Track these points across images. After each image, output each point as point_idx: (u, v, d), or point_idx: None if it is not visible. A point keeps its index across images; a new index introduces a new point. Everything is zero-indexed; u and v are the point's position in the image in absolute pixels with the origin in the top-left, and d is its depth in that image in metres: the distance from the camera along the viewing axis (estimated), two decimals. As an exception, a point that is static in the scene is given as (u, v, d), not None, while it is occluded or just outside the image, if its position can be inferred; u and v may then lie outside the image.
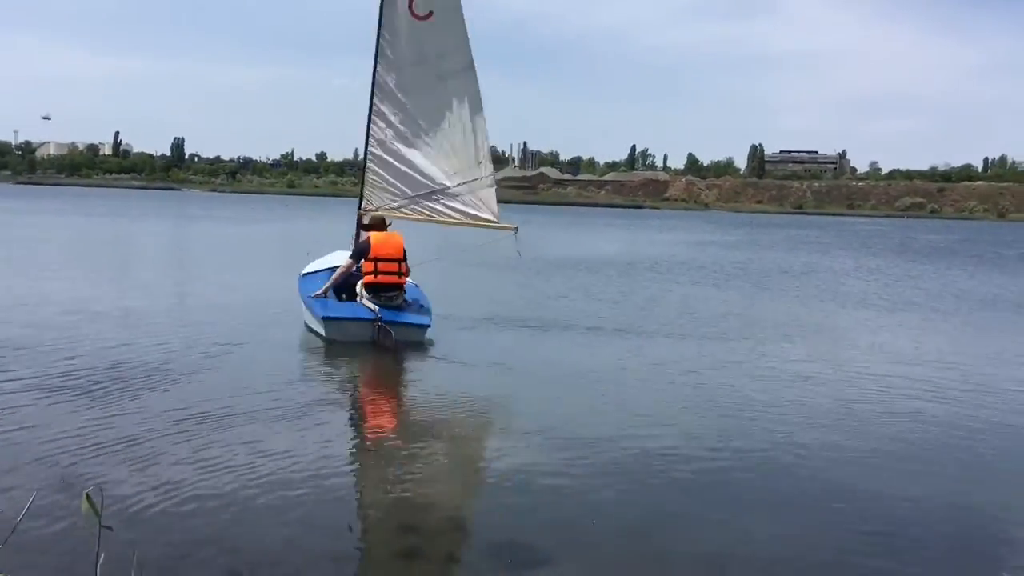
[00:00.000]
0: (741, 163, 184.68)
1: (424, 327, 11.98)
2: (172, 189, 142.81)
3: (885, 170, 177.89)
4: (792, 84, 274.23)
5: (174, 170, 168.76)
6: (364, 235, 12.80)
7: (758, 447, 8.04)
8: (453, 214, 13.44)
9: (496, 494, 6.66)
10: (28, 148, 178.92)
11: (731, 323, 16.06)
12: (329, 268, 13.50)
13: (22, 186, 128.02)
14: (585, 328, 14.81)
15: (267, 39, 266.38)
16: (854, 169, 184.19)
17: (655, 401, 9.86)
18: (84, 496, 2.44)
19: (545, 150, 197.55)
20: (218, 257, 28.73)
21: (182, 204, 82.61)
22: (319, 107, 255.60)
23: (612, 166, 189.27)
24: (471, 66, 13.10)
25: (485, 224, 13.43)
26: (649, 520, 6.28)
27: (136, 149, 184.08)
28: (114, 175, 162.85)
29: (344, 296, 12.62)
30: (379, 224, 12.93)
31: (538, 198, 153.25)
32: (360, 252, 12.37)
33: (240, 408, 8.44)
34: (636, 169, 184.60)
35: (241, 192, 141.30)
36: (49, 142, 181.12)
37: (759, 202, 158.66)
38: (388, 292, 12.20)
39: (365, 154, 13.82)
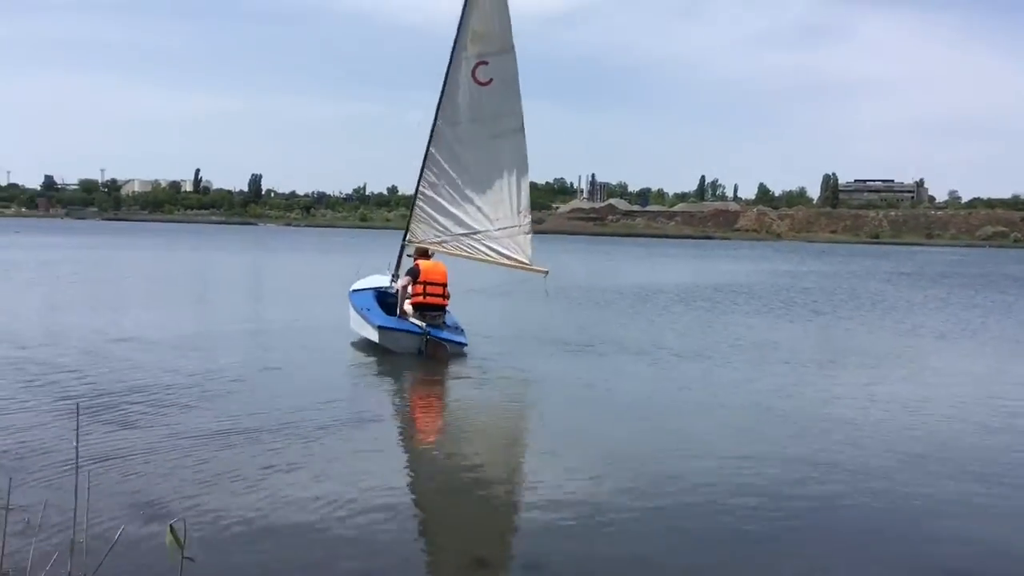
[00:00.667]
0: (814, 193, 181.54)
1: (463, 345, 13.71)
2: (249, 224, 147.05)
3: (965, 198, 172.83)
4: (867, 111, 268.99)
5: (252, 205, 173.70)
6: (414, 262, 14.44)
7: (815, 480, 7.95)
8: (491, 254, 15.31)
9: (556, 526, 6.66)
10: (114, 185, 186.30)
11: (793, 350, 15.96)
12: (373, 287, 15.51)
13: (108, 222, 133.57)
14: (641, 352, 15.24)
15: (340, 76, 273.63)
16: (932, 198, 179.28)
17: (711, 428, 9.89)
18: (168, 528, 2.64)
19: (614, 181, 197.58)
20: (291, 286, 29.65)
21: (259, 238, 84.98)
22: (391, 141, 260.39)
23: (681, 197, 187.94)
24: (521, 129, 14.98)
25: (519, 265, 15.28)
26: (703, 555, 6.23)
27: (216, 186, 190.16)
28: (195, 211, 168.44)
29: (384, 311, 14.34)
30: (425, 253, 14.69)
31: (607, 229, 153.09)
32: (413, 275, 14.00)
33: (309, 428, 8.86)
34: (706, 200, 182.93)
35: (315, 226, 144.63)
36: (134, 180, 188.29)
37: (833, 232, 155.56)
38: (433, 312, 13.86)
39: (416, 191, 15.70)
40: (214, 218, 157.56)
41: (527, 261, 15.16)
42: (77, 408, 5.47)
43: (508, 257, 15.23)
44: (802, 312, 24.00)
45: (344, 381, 12.60)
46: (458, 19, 14.94)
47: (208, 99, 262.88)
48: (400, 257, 15.55)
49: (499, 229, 15.12)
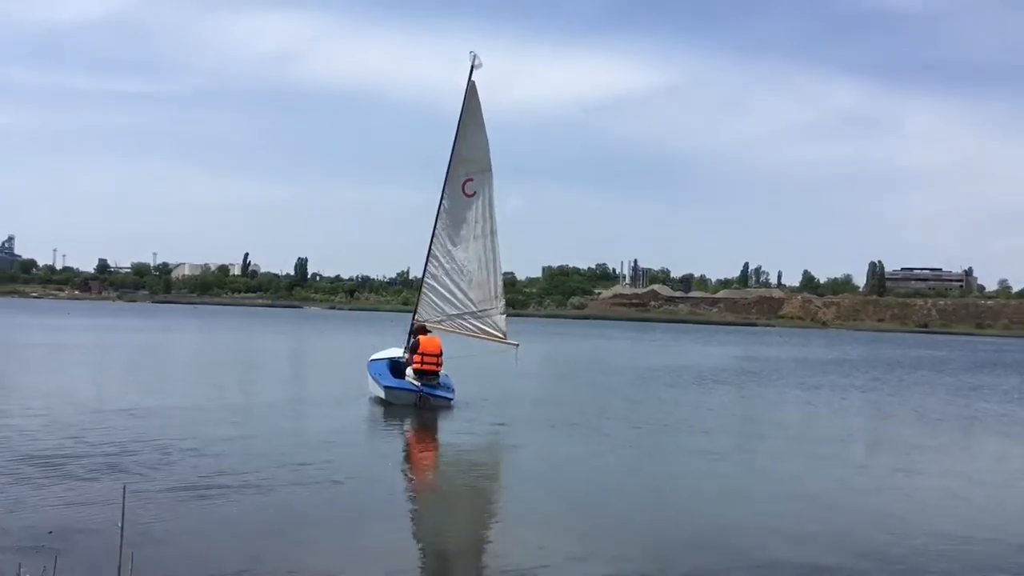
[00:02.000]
0: (860, 280, 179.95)
1: (450, 399, 17.74)
2: (295, 307, 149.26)
3: (1016, 287, 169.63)
4: (913, 201, 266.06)
5: (297, 288, 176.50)
6: (414, 337, 18.22)
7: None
8: (475, 330, 19.36)
9: None
10: (165, 269, 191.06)
11: (794, 429, 15.61)
12: (387, 357, 19.28)
13: (159, 304, 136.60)
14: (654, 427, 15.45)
15: (384, 163, 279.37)
16: (982, 287, 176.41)
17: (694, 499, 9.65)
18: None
19: (656, 267, 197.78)
20: (322, 363, 29.95)
21: (302, 320, 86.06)
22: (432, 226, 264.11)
23: (725, 283, 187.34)
24: (495, 232, 19.32)
25: (496, 339, 19.35)
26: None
27: (263, 269, 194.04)
28: (242, 294, 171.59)
29: (394, 375, 18.25)
30: (423, 329, 18.39)
31: (649, 315, 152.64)
32: (414, 348, 17.90)
33: (336, 504, 8.92)
34: (749, 286, 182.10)
35: (358, 309, 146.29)
36: (184, 263, 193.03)
37: (880, 320, 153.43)
38: (429, 376, 17.64)
39: (423, 280, 19.81)
40: (260, 301, 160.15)
41: (502, 335, 19.34)
42: (124, 490, 5.55)
43: (487, 333, 19.37)
44: (844, 398, 23.50)
45: (368, 453, 13.15)
46: (451, 145, 19.22)
47: (257, 185, 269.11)
48: (411, 331, 19.10)
49: (481, 311, 19.28)
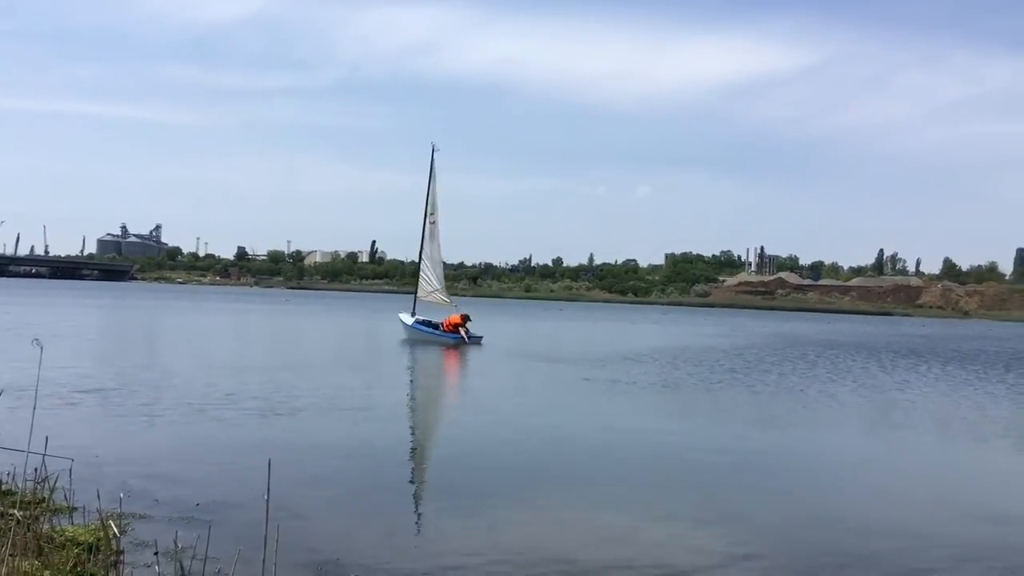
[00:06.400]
0: (1006, 268, 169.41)
1: (480, 338, 32.87)
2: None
3: None
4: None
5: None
6: (449, 315, 34.73)
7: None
8: (442, 299, 36.05)
9: None
10: (298, 256, 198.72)
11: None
12: (419, 320, 34.80)
13: (292, 290, 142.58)
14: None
15: (512, 152, 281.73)
16: None
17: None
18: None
19: (784, 254, 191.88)
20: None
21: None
22: (558, 214, 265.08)
23: (857, 271, 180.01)
24: (440, 244, 37.11)
25: (448, 304, 35.88)
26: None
27: (389, 256, 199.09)
28: (369, 280, 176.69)
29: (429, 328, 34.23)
30: (466, 317, 34.35)
31: (776, 303, 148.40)
32: (446, 321, 34.30)
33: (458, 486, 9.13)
34: (885, 274, 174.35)
35: (480, 296, 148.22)
36: (316, 251, 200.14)
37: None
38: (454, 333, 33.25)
39: (419, 272, 36.93)
40: (386, 287, 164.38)
41: (448, 301, 35.87)
42: (269, 464, 5.86)
43: (445, 300, 35.73)
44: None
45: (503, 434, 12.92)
46: (426, 195, 36.60)
47: (386, 174, 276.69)
48: (415, 304, 35.86)
49: (441, 288, 36.15)
